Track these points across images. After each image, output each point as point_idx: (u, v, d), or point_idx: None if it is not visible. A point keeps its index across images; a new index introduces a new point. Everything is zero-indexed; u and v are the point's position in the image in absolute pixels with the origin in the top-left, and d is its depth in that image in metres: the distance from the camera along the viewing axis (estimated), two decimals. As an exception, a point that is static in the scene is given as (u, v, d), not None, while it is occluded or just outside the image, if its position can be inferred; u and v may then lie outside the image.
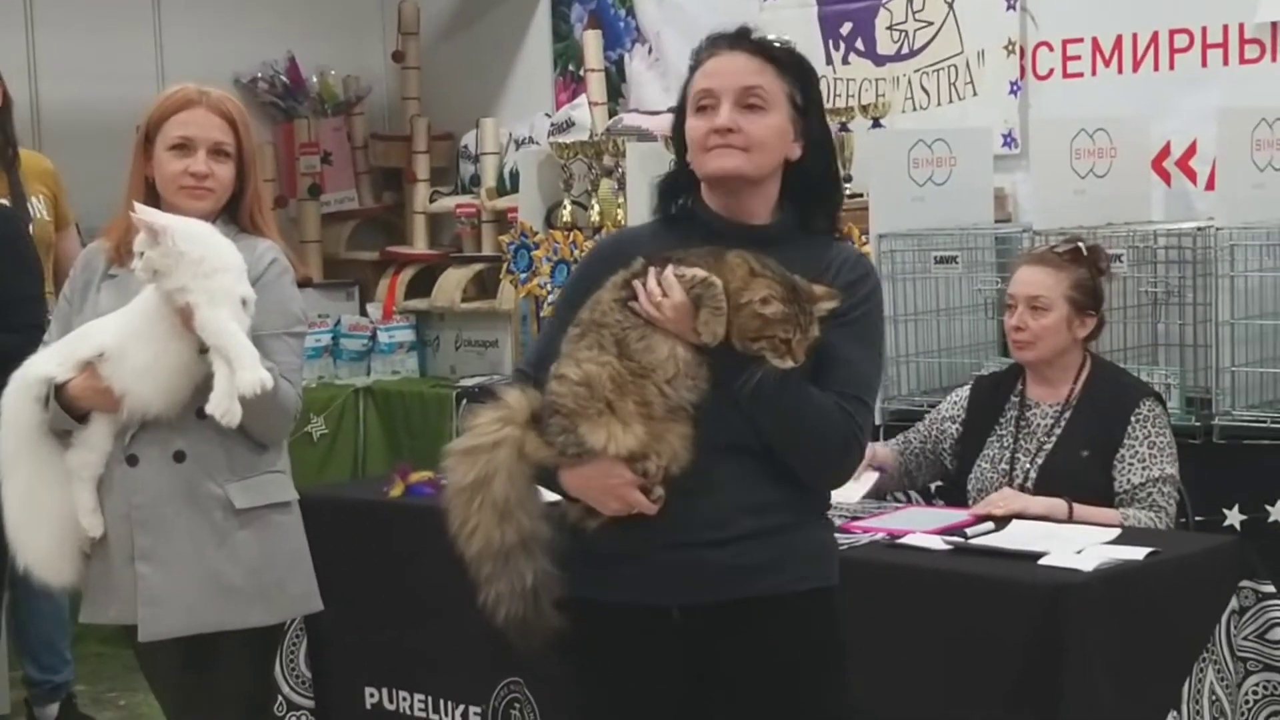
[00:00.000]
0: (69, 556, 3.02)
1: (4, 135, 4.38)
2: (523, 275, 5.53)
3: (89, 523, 2.99)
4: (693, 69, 2.56)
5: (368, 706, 3.99)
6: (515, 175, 6.07)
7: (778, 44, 2.53)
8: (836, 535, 3.20)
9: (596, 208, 5.42)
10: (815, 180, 2.53)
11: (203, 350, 2.90)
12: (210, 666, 3.07)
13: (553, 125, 6.01)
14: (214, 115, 3.03)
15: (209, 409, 2.87)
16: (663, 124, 5.51)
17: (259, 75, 6.48)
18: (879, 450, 3.88)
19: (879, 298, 2.56)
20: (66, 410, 2.96)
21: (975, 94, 5.31)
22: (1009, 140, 5.21)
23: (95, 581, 3.05)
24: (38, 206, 4.49)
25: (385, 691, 3.97)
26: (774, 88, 2.49)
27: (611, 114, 5.97)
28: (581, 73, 6.21)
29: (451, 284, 6.34)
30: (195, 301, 2.85)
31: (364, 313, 6.50)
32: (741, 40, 2.52)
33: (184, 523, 2.98)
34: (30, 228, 4.25)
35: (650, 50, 6.13)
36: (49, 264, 4.42)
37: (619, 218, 5.35)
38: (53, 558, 3.01)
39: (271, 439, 3.05)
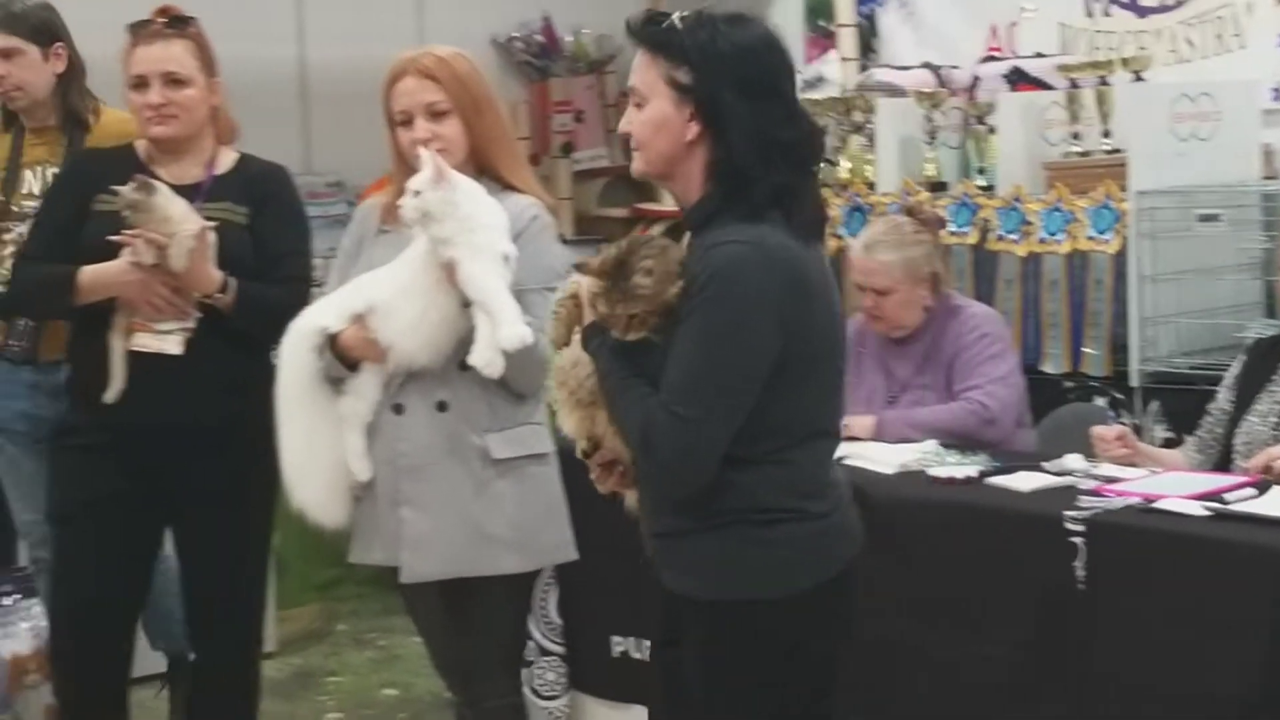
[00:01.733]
0: (339, 499, 3.15)
1: (66, 103, 4.04)
2: (771, 232, 5.53)
3: (358, 467, 3.11)
4: None
5: (614, 655, 4.06)
6: (764, 132, 6.07)
7: (654, 26, 2.42)
8: (1090, 498, 3.16)
9: (845, 165, 5.39)
10: (718, 158, 2.39)
11: (466, 304, 2.98)
12: (469, 610, 3.17)
13: (803, 81, 5.99)
14: (421, 79, 3.09)
15: (471, 360, 2.96)
16: (915, 79, 5.44)
17: (515, 35, 6.60)
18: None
19: (719, 294, 2.33)
20: (339, 360, 3.08)
21: (1243, 46, 5.12)
22: (1279, 94, 5.01)
23: (362, 524, 3.17)
24: None
25: (631, 640, 4.03)
26: (649, 77, 2.42)
27: (862, 69, 5.92)
28: (832, 28, 6.16)
29: (700, 241, 6.37)
30: (459, 257, 2.94)
31: (613, 269, 6.57)
32: (630, 35, 2.47)
33: (445, 471, 3.08)
34: None
35: (903, 4, 6.05)
36: None
37: (868, 175, 5.31)
38: (324, 500, 3.14)
39: (529, 391, 3.12)
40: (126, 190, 3.28)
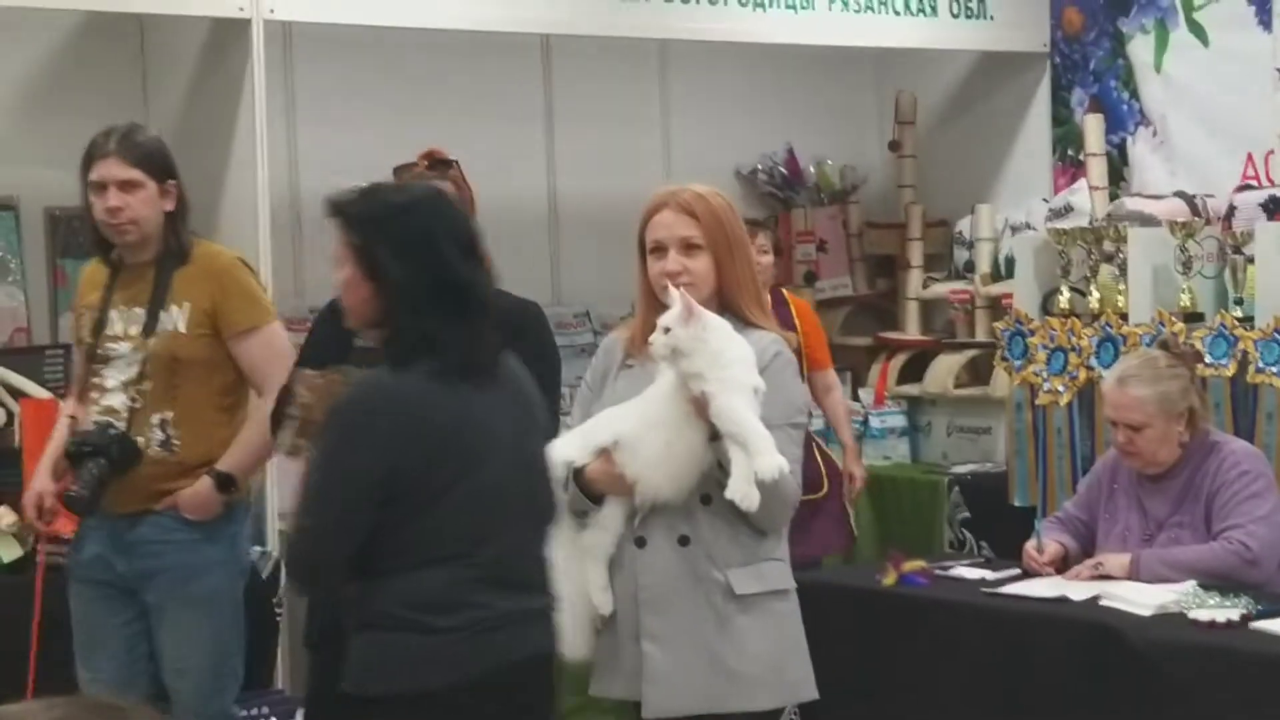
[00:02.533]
0: (582, 631, 3.16)
1: (174, 241, 3.81)
2: (1018, 363, 5.46)
3: (600, 600, 3.12)
4: None
5: (857, 794, 4.00)
6: (1010, 261, 6.01)
7: (338, 200, 2.87)
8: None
9: (1096, 294, 5.30)
10: (383, 308, 2.82)
11: (712, 438, 3.00)
12: None
13: (1050, 211, 5.93)
14: (680, 214, 3.13)
15: (728, 494, 2.96)
16: (1168, 209, 5.35)
17: (758, 167, 6.67)
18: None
19: (330, 425, 2.80)
20: (584, 493, 3.12)
21: None
22: None
23: (603, 657, 3.18)
24: (176, 317, 3.78)
25: (875, 780, 3.97)
26: (339, 243, 2.86)
27: (1113, 198, 5.83)
28: (1081, 157, 6.10)
29: (944, 370, 6.32)
30: (712, 391, 2.96)
31: (856, 398, 6.54)
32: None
33: (687, 605, 3.07)
34: (151, 341, 3.75)
35: (1155, 133, 5.96)
36: (172, 378, 3.76)
37: (1119, 304, 5.21)
38: (569, 632, 3.16)
39: (772, 526, 3.11)
40: None
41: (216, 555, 3.76)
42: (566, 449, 3.16)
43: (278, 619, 4.60)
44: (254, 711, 4.34)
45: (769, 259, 5.50)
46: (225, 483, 3.76)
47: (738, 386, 2.96)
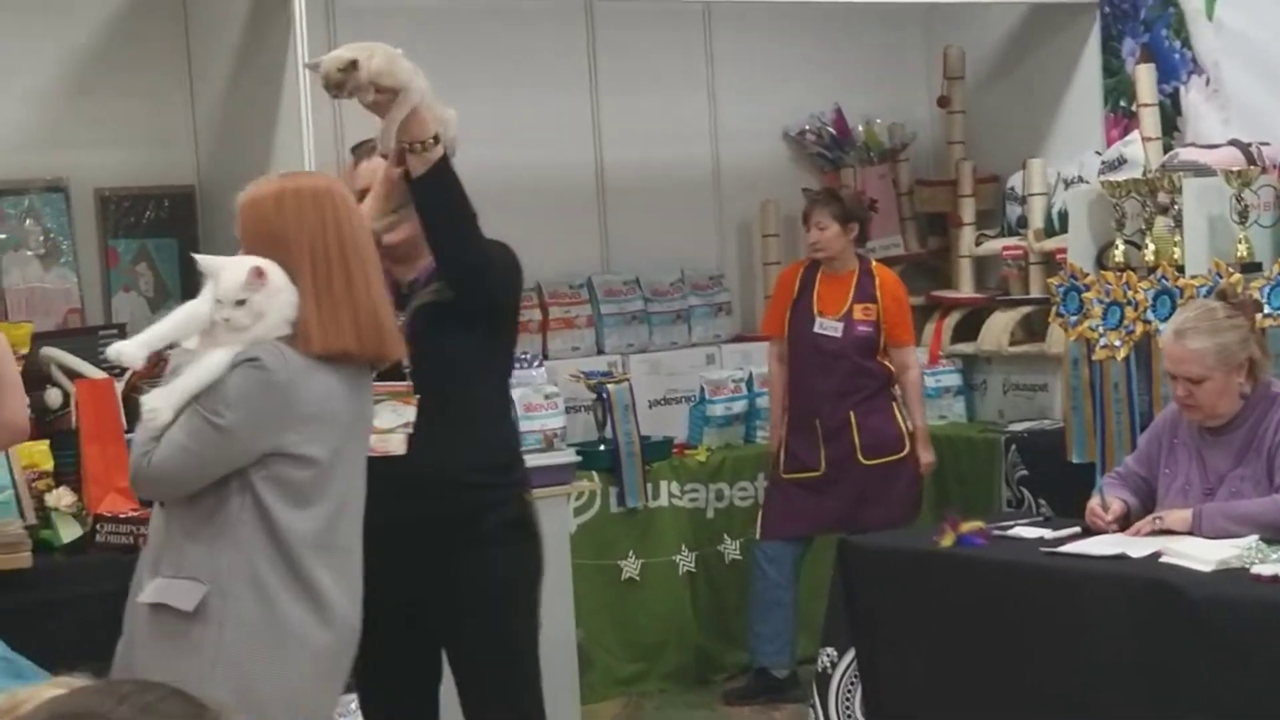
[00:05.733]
0: None
1: None
2: (1073, 318, 5.40)
3: None
4: None
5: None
6: (1063, 216, 5.94)
7: None
8: None
9: (1151, 247, 5.23)
10: None
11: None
12: None
13: (1103, 163, 5.85)
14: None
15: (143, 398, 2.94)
16: (1223, 158, 5.26)
17: (806, 128, 6.63)
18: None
19: None
20: None
21: None
22: None
23: None
24: None
25: None
26: None
27: (1166, 149, 5.75)
28: (1133, 108, 6.01)
29: (998, 327, 6.27)
30: (227, 335, 2.89)
31: (910, 357, 6.49)
32: None
33: (129, 619, 2.98)
34: None
35: (1208, 81, 5.87)
36: None
37: (1175, 256, 5.14)
38: None
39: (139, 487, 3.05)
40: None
41: None
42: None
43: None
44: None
45: (828, 233, 5.53)
46: None
47: (237, 341, 2.89)
